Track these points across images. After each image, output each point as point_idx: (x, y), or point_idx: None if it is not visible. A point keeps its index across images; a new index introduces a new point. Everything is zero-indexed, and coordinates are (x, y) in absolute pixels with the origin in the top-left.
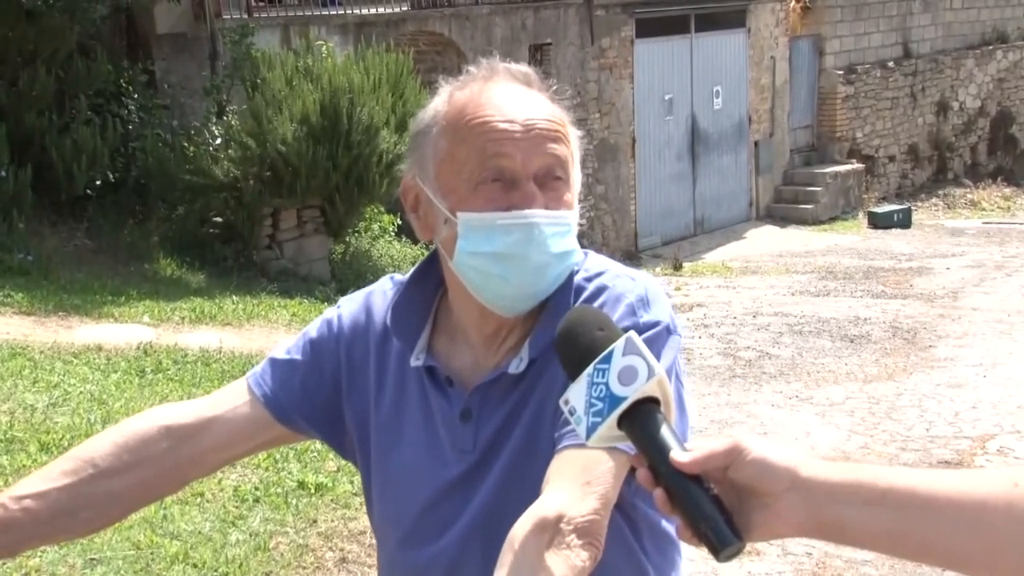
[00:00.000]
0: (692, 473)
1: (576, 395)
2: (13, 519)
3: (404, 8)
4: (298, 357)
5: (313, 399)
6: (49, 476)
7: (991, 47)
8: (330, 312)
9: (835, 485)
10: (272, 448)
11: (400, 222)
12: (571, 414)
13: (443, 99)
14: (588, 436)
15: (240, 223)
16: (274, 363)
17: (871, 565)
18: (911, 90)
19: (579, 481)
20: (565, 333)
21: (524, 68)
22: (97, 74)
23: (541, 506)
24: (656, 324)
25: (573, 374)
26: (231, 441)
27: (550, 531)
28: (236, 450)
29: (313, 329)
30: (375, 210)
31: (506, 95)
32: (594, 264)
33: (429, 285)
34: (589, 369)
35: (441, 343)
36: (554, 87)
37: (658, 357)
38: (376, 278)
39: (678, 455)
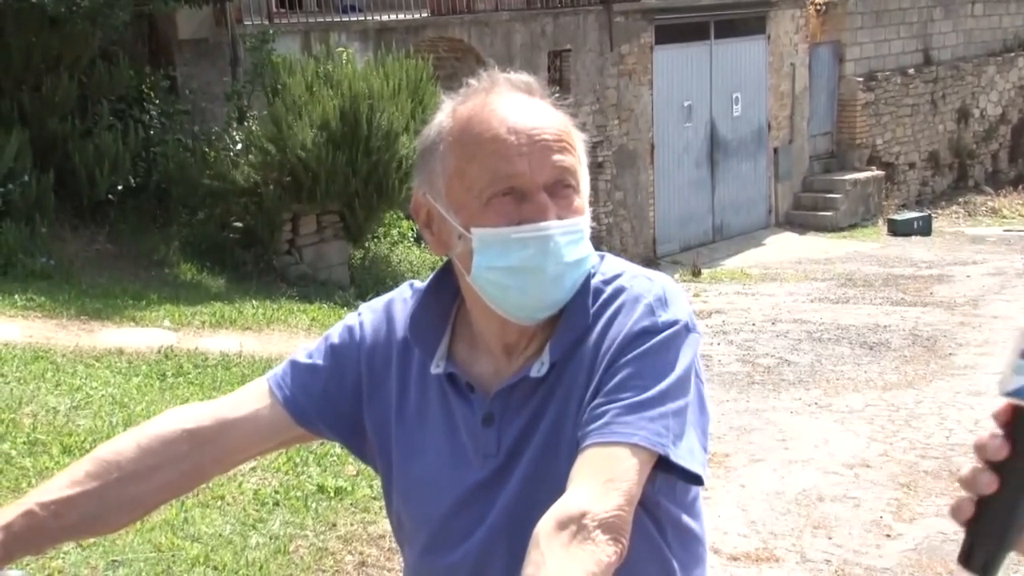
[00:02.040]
0: None
1: None
2: (41, 524)
3: (424, 14)
4: (320, 362)
5: (334, 404)
6: (76, 479)
7: (1012, 54)
8: (351, 318)
9: None
10: (290, 446)
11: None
12: None
13: (446, 114)
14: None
15: (260, 228)
16: (295, 366)
17: (891, 573)
18: (932, 97)
19: (602, 478)
20: None
21: (525, 77)
22: (119, 80)
23: (565, 503)
24: (675, 323)
25: None
26: (251, 443)
27: (574, 527)
28: (256, 450)
29: (335, 334)
30: (394, 216)
31: (510, 106)
32: (611, 267)
33: (446, 294)
34: None
35: (461, 350)
36: (555, 94)
37: (677, 355)
38: (395, 283)
39: None
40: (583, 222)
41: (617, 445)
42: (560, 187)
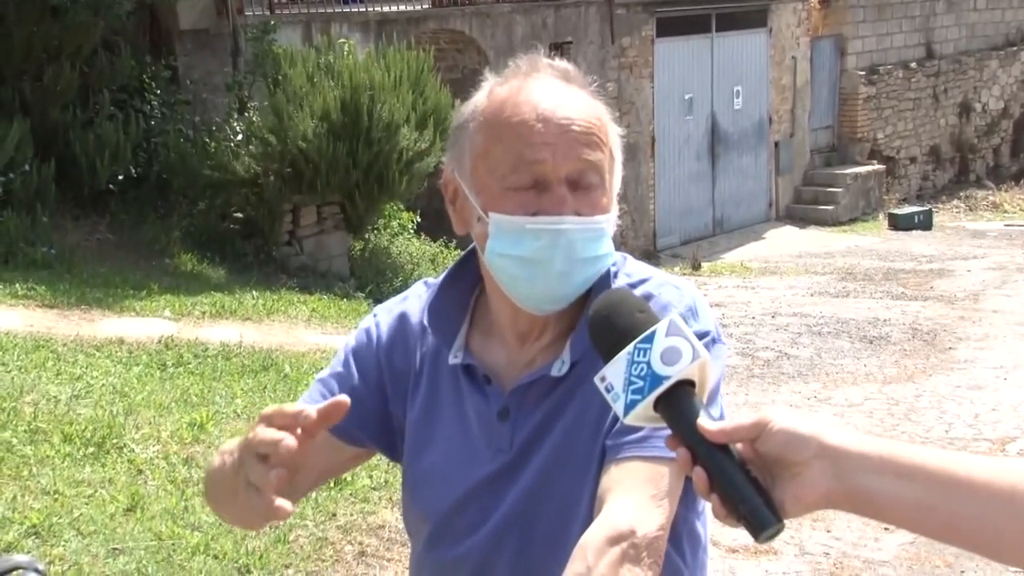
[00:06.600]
0: (720, 442)
1: (614, 373)
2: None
3: (425, 6)
4: (341, 370)
5: (363, 409)
6: None
7: (1015, 48)
8: (367, 321)
9: (866, 456)
10: (342, 474)
11: (419, 220)
12: (608, 391)
13: (485, 93)
14: (626, 414)
15: (260, 219)
16: (321, 382)
17: (889, 566)
18: (933, 91)
19: (647, 494)
20: (604, 313)
21: (566, 64)
22: (120, 70)
23: (614, 517)
24: (705, 334)
25: (609, 353)
26: (307, 462)
27: (625, 544)
28: (313, 472)
29: (352, 340)
30: (395, 207)
31: (544, 93)
32: (636, 270)
33: (465, 283)
34: (629, 348)
35: (476, 340)
36: (595, 84)
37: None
38: (395, 275)
39: (706, 423)
40: (604, 220)
41: (659, 461)
42: (583, 182)
